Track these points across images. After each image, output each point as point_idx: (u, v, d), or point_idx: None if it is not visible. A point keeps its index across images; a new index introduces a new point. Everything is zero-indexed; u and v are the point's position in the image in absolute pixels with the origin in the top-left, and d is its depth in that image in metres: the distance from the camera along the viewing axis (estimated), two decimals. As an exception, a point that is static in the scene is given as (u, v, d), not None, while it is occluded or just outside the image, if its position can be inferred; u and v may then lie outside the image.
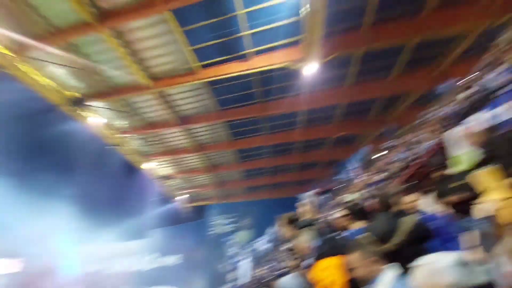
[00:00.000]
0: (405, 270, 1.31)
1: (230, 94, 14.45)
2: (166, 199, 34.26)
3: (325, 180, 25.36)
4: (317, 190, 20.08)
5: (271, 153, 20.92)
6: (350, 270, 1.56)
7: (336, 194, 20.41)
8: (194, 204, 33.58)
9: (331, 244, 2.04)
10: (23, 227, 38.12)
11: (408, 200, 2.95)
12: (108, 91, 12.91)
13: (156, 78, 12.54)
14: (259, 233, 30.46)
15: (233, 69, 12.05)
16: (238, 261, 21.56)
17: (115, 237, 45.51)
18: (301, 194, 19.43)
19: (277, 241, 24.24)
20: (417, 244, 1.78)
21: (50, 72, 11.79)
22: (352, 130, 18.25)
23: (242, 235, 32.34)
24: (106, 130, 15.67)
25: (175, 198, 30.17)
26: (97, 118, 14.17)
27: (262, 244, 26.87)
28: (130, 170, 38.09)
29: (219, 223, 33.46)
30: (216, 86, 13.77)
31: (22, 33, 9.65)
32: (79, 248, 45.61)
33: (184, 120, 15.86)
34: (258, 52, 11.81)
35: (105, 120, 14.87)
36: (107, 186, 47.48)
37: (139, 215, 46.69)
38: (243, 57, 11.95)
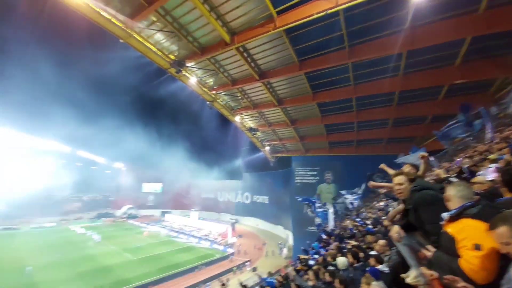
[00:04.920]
0: None
1: (309, 42, 12.54)
2: (255, 148, 37.44)
3: (426, 138, 20.24)
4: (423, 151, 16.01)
5: (355, 106, 18.05)
6: (499, 243, 1.32)
7: (450, 156, 15.81)
8: (279, 155, 35.14)
9: (485, 207, 1.69)
10: (161, 162, 53.67)
11: None
12: (197, 52, 13.84)
13: (235, 32, 12.26)
14: (342, 187, 29.41)
15: (312, 9, 10.04)
16: (323, 209, 21.78)
17: (218, 175, 55.94)
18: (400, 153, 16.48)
19: (367, 197, 22.52)
20: None
21: (156, 39, 13.56)
22: (473, 75, 12.32)
23: (324, 188, 32.17)
24: (201, 88, 17.48)
25: (262, 149, 32.38)
26: (192, 78, 15.86)
27: (350, 197, 25.58)
28: (225, 123, 42.65)
29: (302, 174, 34.07)
30: (293, 34, 12.19)
31: (126, 9, 11.19)
32: (198, 181, 59.35)
33: (263, 75, 15.45)
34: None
35: (197, 79, 16.49)
36: (209, 136, 57.32)
37: (234, 160, 54.28)
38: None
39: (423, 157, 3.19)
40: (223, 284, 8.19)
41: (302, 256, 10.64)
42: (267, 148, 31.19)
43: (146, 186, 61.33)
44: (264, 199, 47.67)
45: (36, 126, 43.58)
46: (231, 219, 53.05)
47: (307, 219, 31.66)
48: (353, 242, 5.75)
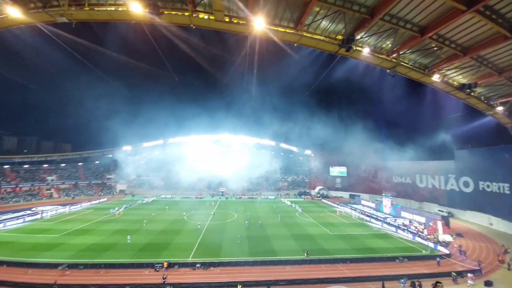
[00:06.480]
0: None
1: None
2: (474, 113, 26.03)
3: None
4: None
5: None
6: None
7: None
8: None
9: None
10: (344, 145, 55.30)
11: None
12: (366, 18, 12.18)
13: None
14: None
15: None
16: None
17: (415, 155, 45.85)
18: None
19: None
20: None
21: (322, 28, 13.80)
22: None
23: None
24: (378, 57, 15.24)
25: (490, 111, 21.61)
26: (365, 49, 14.25)
27: None
28: (415, 89, 34.08)
29: None
30: None
31: (294, 14, 12.34)
32: (388, 163, 53.32)
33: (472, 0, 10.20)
34: None
35: (370, 49, 14.47)
36: (395, 111, 48.82)
37: (437, 135, 41.37)
38: None
39: None
40: (439, 283, 6.69)
41: None
42: (500, 108, 20.31)
43: (333, 169, 65.90)
44: (501, 187, 31.69)
45: (256, 130, 69.58)
46: (440, 210, 41.19)
47: None
48: None
